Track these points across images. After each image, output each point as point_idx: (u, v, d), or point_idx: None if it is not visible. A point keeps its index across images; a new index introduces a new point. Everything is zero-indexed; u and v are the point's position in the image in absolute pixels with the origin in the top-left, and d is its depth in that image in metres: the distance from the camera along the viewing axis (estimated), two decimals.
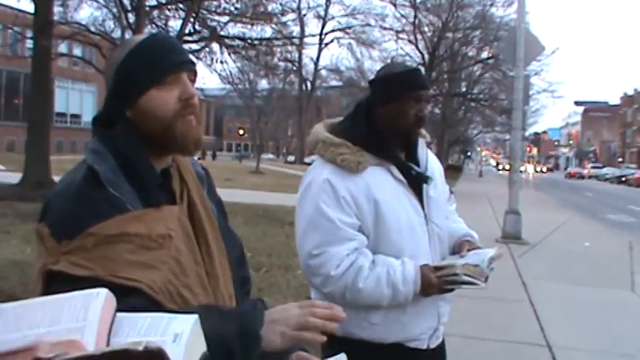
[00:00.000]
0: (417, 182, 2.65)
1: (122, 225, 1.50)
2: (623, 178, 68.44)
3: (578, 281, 10.21)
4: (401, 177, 2.60)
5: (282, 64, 30.40)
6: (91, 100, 53.27)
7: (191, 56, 1.78)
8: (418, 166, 2.69)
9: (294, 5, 28.75)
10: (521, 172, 17.95)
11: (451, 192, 3.01)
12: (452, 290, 2.58)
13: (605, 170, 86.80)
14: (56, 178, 17.35)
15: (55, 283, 1.43)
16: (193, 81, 1.70)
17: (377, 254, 2.53)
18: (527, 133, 44.59)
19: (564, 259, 12.35)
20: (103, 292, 1.24)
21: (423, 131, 2.77)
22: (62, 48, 23.37)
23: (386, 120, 2.59)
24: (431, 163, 2.77)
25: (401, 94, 2.57)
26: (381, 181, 2.56)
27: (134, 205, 1.56)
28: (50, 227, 1.51)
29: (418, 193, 2.64)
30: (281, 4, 20.61)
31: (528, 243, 14.03)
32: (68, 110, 49.70)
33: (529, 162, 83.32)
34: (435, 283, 2.50)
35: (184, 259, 1.57)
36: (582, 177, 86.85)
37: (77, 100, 51.25)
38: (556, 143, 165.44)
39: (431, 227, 2.65)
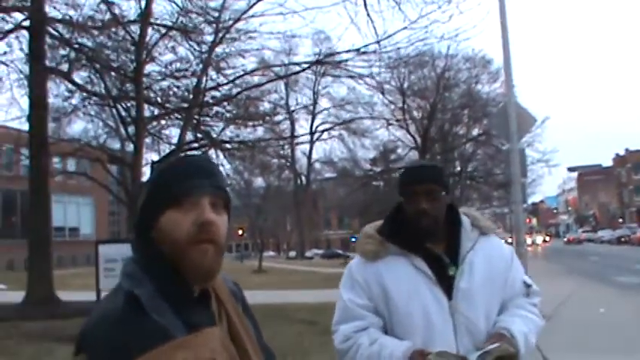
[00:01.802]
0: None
1: (168, 354, 1.47)
2: (623, 239, 68.28)
3: (600, 350, 10.04)
4: (424, 267, 2.74)
5: (275, 161, 30.69)
6: (89, 212, 53.28)
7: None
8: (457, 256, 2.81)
9: (283, 102, 29.34)
10: (530, 244, 17.82)
11: (528, 286, 3.03)
12: None
13: (600, 233, 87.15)
14: (60, 294, 17.23)
15: None
16: (223, 207, 1.69)
17: (391, 335, 2.73)
18: (524, 205, 44.70)
19: (582, 329, 12.18)
20: None
21: (484, 222, 2.98)
22: (55, 161, 23.63)
23: (406, 214, 2.82)
24: (478, 254, 2.84)
25: (401, 192, 2.85)
26: (395, 270, 2.77)
27: (177, 330, 1.53)
28: (91, 359, 1.48)
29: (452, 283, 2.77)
30: (271, 102, 20.99)
31: (542, 316, 13.78)
32: (66, 224, 49.60)
33: (530, 233, 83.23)
34: None
35: None
36: (580, 242, 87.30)
37: (75, 213, 51.23)
38: (555, 211, 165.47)
39: (457, 318, 2.72)
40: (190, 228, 1.60)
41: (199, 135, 18.42)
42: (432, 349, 2.57)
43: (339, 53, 17.94)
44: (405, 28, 16.19)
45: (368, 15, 16.09)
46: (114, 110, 16.58)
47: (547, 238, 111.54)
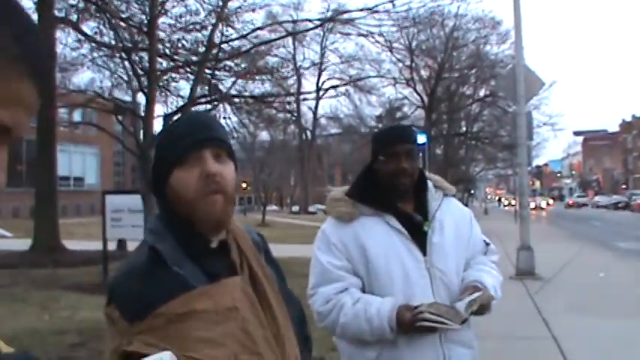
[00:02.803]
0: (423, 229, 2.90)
1: (189, 302, 1.57)
2: (620, 204, 68.50)
3: (598, 313, 10.14)
4: (398, 225, 2.86)
5: (281, 115, 30.67)
6: (95, 162, 53.36)
7: None
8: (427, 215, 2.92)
9: (290, 56, 29.20)
10: (533, 208, 17.80)
11: (487, 244, 3.15)
12: (434, 329, 2.63)
13: (596, 198, 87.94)
14: (65, 243, 17.41)
15: None
16: (227, 157, 1.74)
17: (370, 294, 2.81)
18: (529, 168, 44.83)
19: (581, 292, 12.29)
20: (167, 354, 1.37)
21: (445, 184, 3.09)
22: (62, 111, 23.56)
23: (378, 175, 2.92)
24: (445, 213, 2.97)
25: (380, 151, 2.92)
26: (371, 230, 2.86)
27: (198, 280, 1.62)
28: (120, 309, 1.59)
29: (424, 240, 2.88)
30: (279, 57, 20.91)
31: (543, 278, 13.95)
32: (71, 173, 49.63)
33: (533, 196, 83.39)
34: (408, 320, 2.63)
35: (252, 328, 1.63)
36: (580, 206, 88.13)
37: (80, 162, 51.16)
38: (558, 175, 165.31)
39: (433, 272, 2.83)
40: (197, 182, 1.66)
41: (208, 89, 18.36)
42: (412, 303, 2.67)
43: (350, 11, 17.86)
44: None
45: None
46: (125, 62, 16.42)
47: (551, 201, 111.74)
